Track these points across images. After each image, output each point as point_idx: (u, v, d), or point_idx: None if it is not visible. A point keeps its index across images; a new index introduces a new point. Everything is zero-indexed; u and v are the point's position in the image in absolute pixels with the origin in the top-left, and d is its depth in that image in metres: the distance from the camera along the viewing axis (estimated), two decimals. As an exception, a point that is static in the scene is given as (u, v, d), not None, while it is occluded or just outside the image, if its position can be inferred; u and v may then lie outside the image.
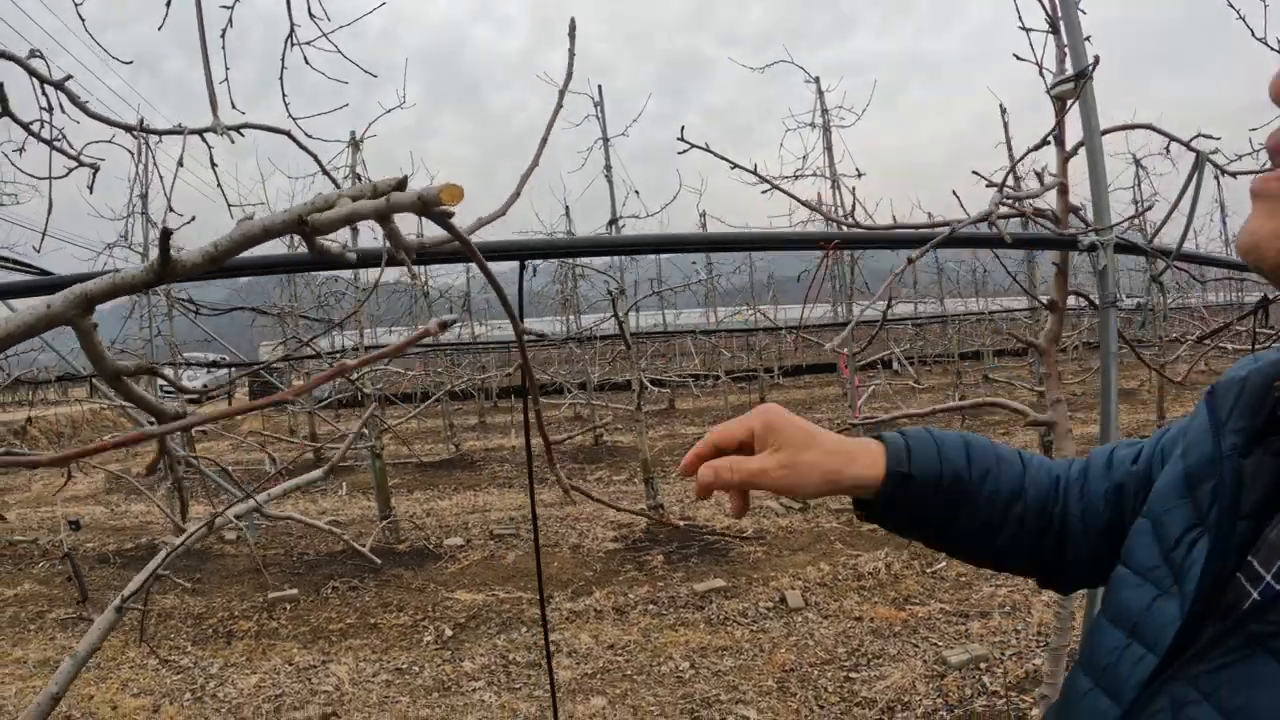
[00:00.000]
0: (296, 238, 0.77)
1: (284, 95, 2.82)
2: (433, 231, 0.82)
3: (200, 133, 2.25)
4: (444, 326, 0.71)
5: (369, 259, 1.51)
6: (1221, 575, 0.73)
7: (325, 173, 2.54)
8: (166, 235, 0.79)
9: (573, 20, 1.30)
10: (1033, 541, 1.06)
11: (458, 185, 0.69)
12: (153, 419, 1.09)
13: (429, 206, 0.71)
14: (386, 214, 0.71)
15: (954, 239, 2.20)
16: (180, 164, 2.45)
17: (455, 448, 16.54)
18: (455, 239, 0.80)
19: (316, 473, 2.26)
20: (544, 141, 1.07)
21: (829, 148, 9.85)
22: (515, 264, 2.02)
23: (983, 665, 5.01)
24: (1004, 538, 1.06)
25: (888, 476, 1.01)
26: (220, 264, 0.78)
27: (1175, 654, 0.74)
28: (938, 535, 1.07)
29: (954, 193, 2.28)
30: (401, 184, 0.72)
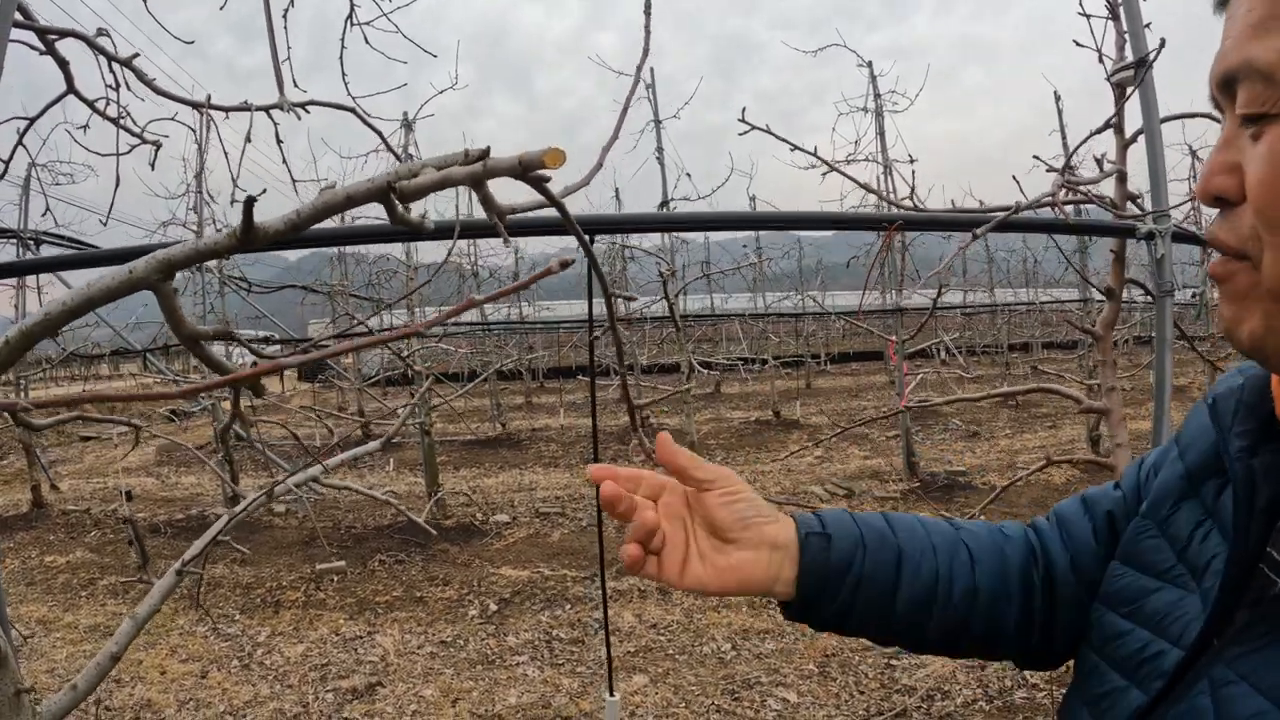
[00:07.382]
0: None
1: (344, 75, 2.86)
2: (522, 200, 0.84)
3: (267, 109, 2.29)
4: (564, 265, 0.72)
5: (443, 230, 1.54)
6: (1243, 569, 0.74)
7: (389, 149, 2.58)
8: (250, 202, 0.81)
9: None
10: (1022, 603, 1.01)
11: (560, 149, 0.69)
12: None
13: (529, 169, 0.71)
14: (482, 178, 0.73)
15: (1014, 222, 2.19)
16: (248, 139, 2.49)
17: (502, 426, 16.63)
18: (550, 203, 0.82)
19: (374, 444, 2.31)
20: (624, 113, 1.08)
21: (881, 132, 9.77)
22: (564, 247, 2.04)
23: (1025, 657, 4.97)
24: (976, 602, 0.99)
25: (804, 540, 0.96)
26: (301, 231, 0.81)
27: (1202, 645, 0.75)
28: (881, 611, 0.98)
29: (1014, 177, 2.27)
30: (485, 153, 0.73)
